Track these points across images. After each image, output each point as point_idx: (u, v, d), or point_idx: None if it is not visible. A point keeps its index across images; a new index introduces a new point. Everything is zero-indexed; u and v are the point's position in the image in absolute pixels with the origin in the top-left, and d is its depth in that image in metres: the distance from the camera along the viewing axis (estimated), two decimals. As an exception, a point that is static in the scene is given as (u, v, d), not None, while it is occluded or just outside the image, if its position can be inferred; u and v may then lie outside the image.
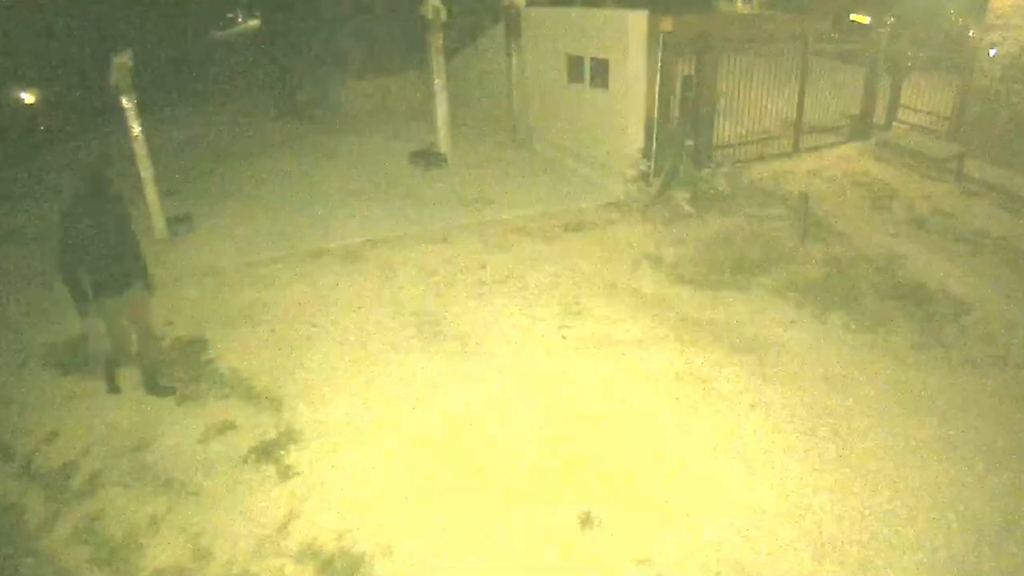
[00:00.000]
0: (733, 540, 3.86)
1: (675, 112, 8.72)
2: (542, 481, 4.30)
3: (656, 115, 8.54)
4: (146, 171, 7.73)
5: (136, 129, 7.52)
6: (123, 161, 7.55)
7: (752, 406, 4.94)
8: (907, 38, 10.94)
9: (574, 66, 9.58)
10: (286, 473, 4.41)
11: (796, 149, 9.72)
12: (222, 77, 20.49)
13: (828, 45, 11.44)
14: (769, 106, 9.41)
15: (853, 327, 5.92)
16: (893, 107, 10.47)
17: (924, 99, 10.19)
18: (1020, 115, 8.89)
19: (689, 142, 8.75)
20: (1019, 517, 4.01)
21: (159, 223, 7.93)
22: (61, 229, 4.55)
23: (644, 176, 8.73)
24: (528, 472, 4.38)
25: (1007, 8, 8.93)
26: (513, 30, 10.63)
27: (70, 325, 5.68)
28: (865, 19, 15.45)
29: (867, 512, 4.03)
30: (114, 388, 5.20)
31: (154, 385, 5.19)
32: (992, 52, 9.16)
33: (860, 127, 10.17)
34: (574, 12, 10.06)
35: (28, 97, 14.28)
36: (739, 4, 20.20)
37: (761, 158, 9.42)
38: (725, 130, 9.18)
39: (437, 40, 9.88)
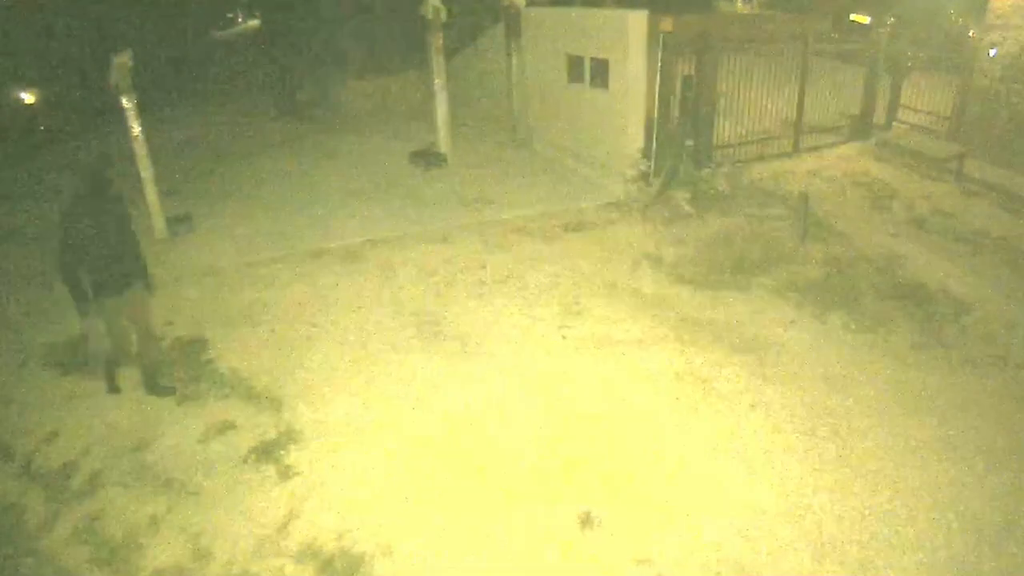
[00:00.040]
0: (733, 540, 3.86)
1: (675, 112, 8.72)
2: (542, 481, 4.30)
3: (656, 115, 8.54)
4: (146, 171, 7.73)
5: (136, 129, 7.52)
6: (123, 161, 7.56)
7: (752, 406, 4.94)
8: (907, 38, 10.94)
9: (574, 66, 9.58)
10: (286, 473, 4.41)
11: (796, 149, 9.72)
12: (222, 77, 20.48)
13: (828, 45, 11.45)
14: (769, 106, 9.41)
15: (853, 327, 5.92)
16: (893, 107, 10.47)
17: (924, 99, 10.19)
18: (1020, 115, 8.89)
19: (689, 142, 8.75)
20: (1019, 517, 4.01)
21: (159, 223, 7.93)
22: (61, 229, 4.55)
23: (644, 176, 8.74)
24: (528, 472, 4.38)
25: (1007, 8, 8.93)
26: (513, 30, 10.63)
27: (70, 325, 5.68)
28: (865, 19, 15.45)
29: (867, 512, 4.03)
30: (114, 388, 5.20)
31: (154, 385, 5.19)
32: (992, 52, 9.16)
33: (860, 127, 10.17)
34: (574, 12, 10.06)
35: (28, 97, 14.29)
36: (739, 4, 20.21)
37: (761, 158, 9.42)
38: (725, 130, 9.17)
39: (437, 40, 9.88)
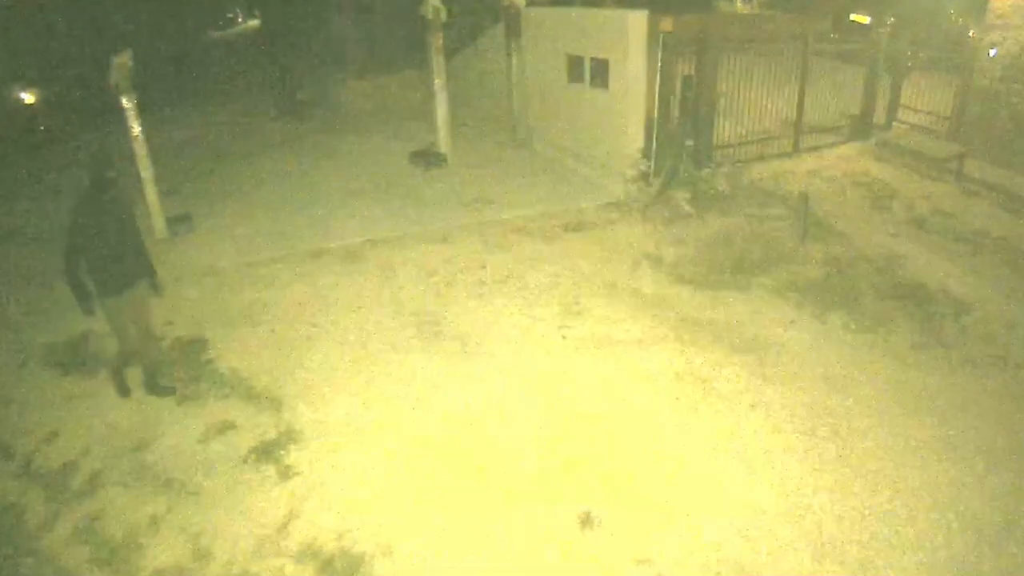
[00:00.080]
0: (733, 540, 3.86)
1: (675, 112, 8.72)
2: (542, 481, 4.30)
3: (656, 115, 8.54)
4: (146, 171, 7.74)
5: (136, 129, 7.52)
6: (123, 161, 7.55)
7: (752, 406, 4.94)
8: (907, 38, 10.92)
9: (574, 66, 9.58)
10: (286, 473, 4.41)
11: (796, 149, 9.72)
12: (222, 77, 20.49)
13: (828, 45, 11.44)
14: (769, 106, 9.40)
15: (853, 327, 5.92)
16: (893, 107, 10.46)
17: (924, 99, 10.18)
18: (1020, 115, 8.89)
19: (689, 142, 8.75)
20: (1019, 517, 4.01)
21: (159, 223, 7.93)
22: (67, 228, 4.55)
23: (644, 176, 8.73)
24: (528, 472, 4.38)
25: (1007, 8, 8.93)
26: (513, 30, 10.63)
27: (70, 325, 5.69)
28: (865, 19, 15.44)
29: (867, 512, 4.04)
30: (125, 390, 5.17)
31: (154, 385, 5.19)
32: (992, 52, 9.15)
33: (860, 127, 10.17)
34: (574, 12, 10.06)
35: (28, 97, 14.29)
36: (739, 4, 20.20)
37: (761, 158, 9.42)
38: (725, 130, 9.17)
39: (437, 40, 9.88)
